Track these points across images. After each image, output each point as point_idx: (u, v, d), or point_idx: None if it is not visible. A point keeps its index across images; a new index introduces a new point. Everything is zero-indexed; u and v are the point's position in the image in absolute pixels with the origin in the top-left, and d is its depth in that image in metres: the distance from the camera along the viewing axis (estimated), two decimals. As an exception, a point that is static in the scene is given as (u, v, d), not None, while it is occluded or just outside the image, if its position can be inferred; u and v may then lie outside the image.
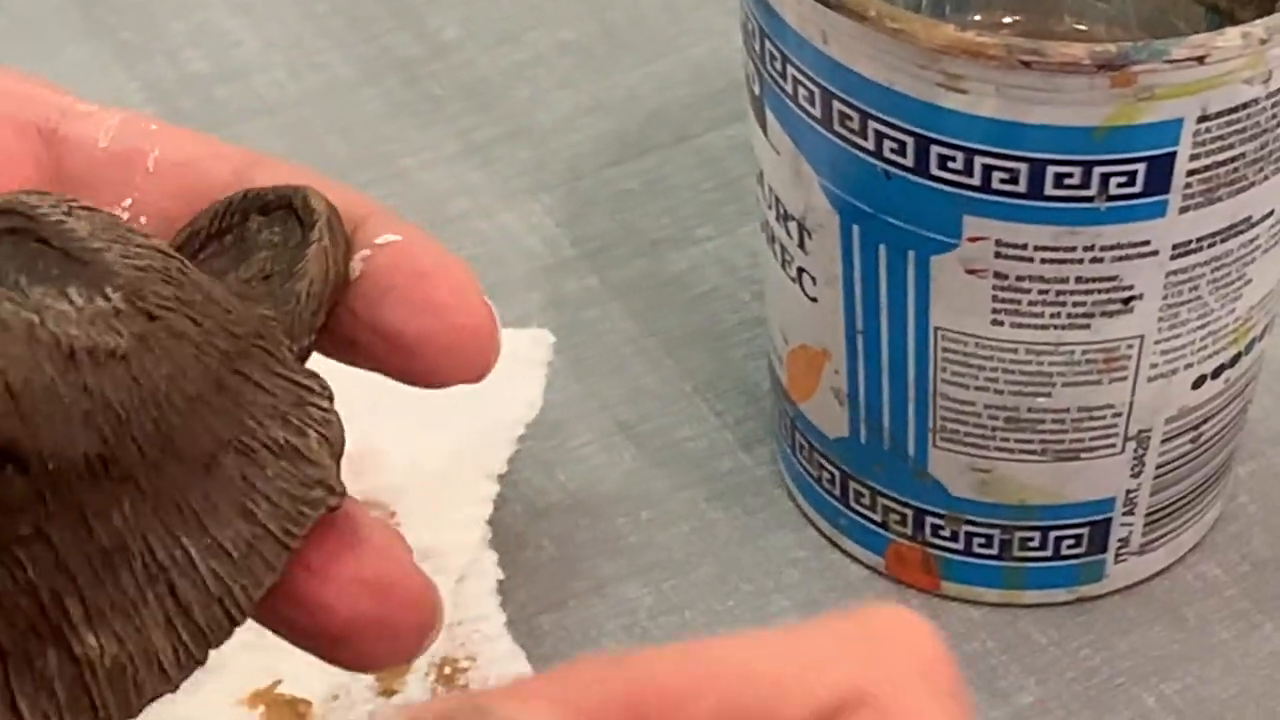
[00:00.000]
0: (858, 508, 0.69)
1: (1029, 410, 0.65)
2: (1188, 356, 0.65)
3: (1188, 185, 0.61)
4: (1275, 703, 0.67)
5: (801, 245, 0.65)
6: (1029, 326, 0.63)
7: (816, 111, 0.62)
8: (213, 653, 0.65)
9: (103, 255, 0.45)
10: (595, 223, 0.78)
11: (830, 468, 0.69)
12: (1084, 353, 0.64)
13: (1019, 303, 0.63)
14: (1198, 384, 0.66)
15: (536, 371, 0.71)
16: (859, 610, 0.41)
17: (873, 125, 0.61)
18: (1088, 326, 0.63)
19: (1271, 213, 0.63)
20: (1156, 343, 0.64)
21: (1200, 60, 0.58)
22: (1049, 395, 0.65)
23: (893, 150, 0.61)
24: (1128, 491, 0.67)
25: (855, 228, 0.63)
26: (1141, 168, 0.60)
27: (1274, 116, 0.61)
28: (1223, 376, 0.66)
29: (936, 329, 0.64)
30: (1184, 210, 0.61)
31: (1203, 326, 0.64)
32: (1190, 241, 0.62)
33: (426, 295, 0.48)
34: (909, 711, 0.39)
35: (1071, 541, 0.68)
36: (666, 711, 0.39)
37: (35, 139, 0.51)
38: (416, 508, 0.68)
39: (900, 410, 0.66)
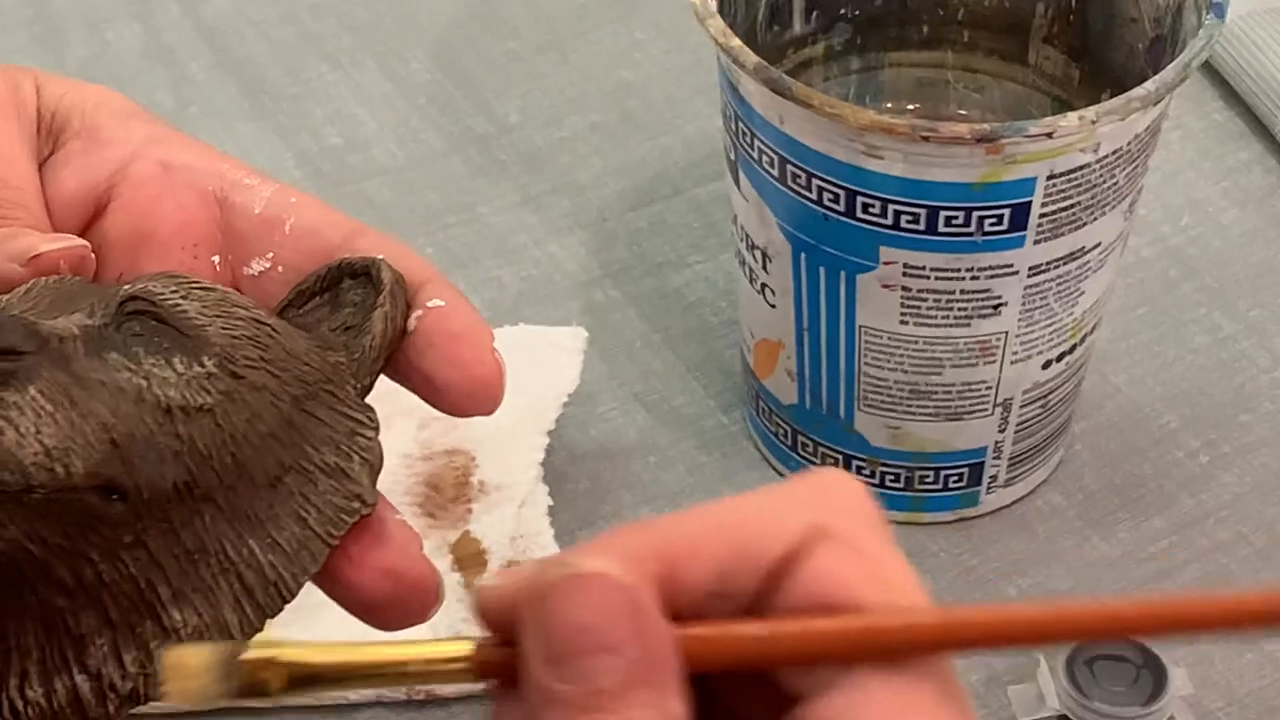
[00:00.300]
0: (804, 455, 0.69)
1: (926, 385, 0.65)
2: (1039, 346, 0.65)
3: (1039, 224, 0.61)
4: (1101, 593, 0.67)
5: (764, 267, 0.65)
6: (927, 325, 0.63)
7: (775, 172, 0.62)
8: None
9: (205, 330, 0.45)
10: (617, 252, 0.78)
11: (784, 426, 0.69)
12: (966, 344, 0.64)
13: (919, 308, 0.63)
14: (1046, 366, 0.66)
15: (575, 358, 0.71)
16: (811, 473, 0.41)
17: (815, 181, 0.61)
18: (968, 325, 0.63)
19: (1099, 244, 0.63)
20: (1017, 336, 0.64)
21: (1049, 135, 0.58)
22: (940, 374, 0.65)
23: (830, 199, 0.61)
24: (996, 442, 0.67)
25: (803, 255, 0.63)
26: (1007, 211, 0.60)
27: (1101, 176, 0.61)
28: (1064, 360, 0.66)
29: (861, 327, 0.64)
30: (1037, 242, 0.61)
31: (1050, 325, 0.64)
32: (1042, 264, 0.62)
33: (455, 353, 0.47)
34: (860, 539, 0.39)
35: (956, 478, 0.68)
36: (686, 553, 0.38)
37: (213, 204, 0.51)
38: (490, 454, 0.68)
39: (834, 385, 0.66)
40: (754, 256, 0.66)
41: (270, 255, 0.50)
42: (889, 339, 0.64)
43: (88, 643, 0.44)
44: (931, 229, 0.60)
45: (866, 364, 0.65)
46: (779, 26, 0.68)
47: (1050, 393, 0.67)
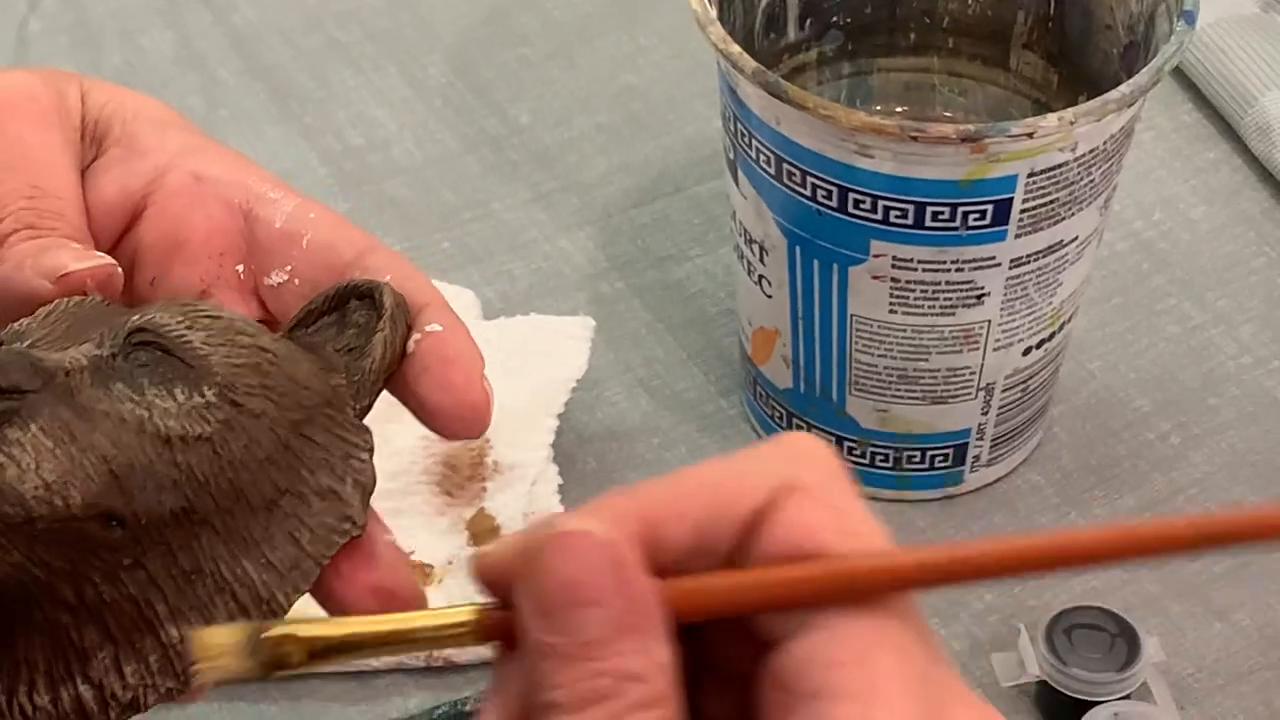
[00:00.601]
0: (798, 436, 0.69)
1: (914, 370, 0.65)
2: (1020, 334, 0.65)
3: (1020, 219, 0.61)
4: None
5: (761, 260, 0.65)
6: (914, 314, 0.63)
7: (772, 170, 0.62)
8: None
9: (208, 359, 0.44)
10: (622, 246, 0.78)
11: (780, 409, 0.69)
12: (951, 332, 0.64)
13: (907, 298, 0.63)
14: (1026, 353, 0.66)
15: (583, 345, 0.71)
16: (783, 436, 0.41)
17: (810, 179, 0.61)
18: (953, 314, 0.63)
19: (1076, 238, 0.63)
20: (999, 325, 0.64)
21: (1030, 135, 0.58)
22: (927, 360, 0.65)
23: (823, 196, 0.61)
24: (979, 425, 0.67)
25: (798, 248, 0.63)
26: (990, 207, 0.60)
27: (1079, 174, 0.61)
28: (1043, 348, 0.66)
29: (852, 316, 0.64)
30: (1018, 236, 0.61)
31: (1030, 314, 0.64)
32: (1022, 257, 0.62)
33: (448, 378, 0.48)
34: (826, 492, 0.39)
35: (941, 458, 0.68)
36: (666, 513, 0.39)
37: (239, 215, 0.51)
38: (504, 435, 0.68)
39: (827, 370, 0.66)
40: (752, 250, 0.65)
41: (289, 268, 0.50)
42: (878, 327, 0.64)
43: (90, 656, 0.44)
44: (919, 224, 0.60)
45: (857, 351, 0.65)
46: (775, 33, 0.68)
47: (1030, 378, 0.67)
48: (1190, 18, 0.62)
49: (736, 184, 0.65)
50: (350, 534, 0.46)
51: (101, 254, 0.48)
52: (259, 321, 0.51)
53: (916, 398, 0.66)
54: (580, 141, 0.82)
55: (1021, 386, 0.67)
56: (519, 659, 0.38)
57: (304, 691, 0.63)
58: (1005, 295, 0.63)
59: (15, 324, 0.46)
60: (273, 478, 0.45)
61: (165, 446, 0.43)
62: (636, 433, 0.71)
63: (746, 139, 0.62)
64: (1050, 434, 0.71)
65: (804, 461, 0.40)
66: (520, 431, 0.68)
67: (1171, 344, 0.74)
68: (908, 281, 0.62)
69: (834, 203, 0.61)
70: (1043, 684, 0.62)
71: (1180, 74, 0.83)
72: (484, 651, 0.63)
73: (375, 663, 0.63)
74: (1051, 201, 0.61)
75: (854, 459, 0.68)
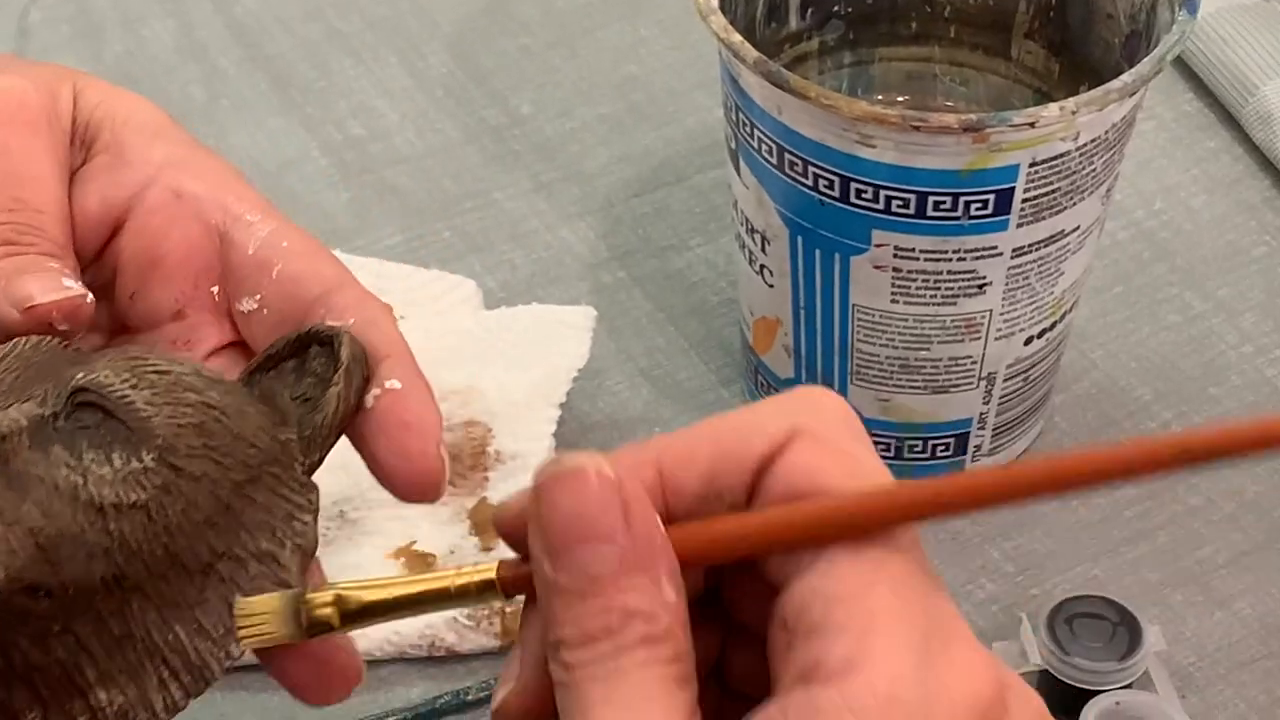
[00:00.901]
0: (800, 425, 0.69)
1: (915, 360, 0.65)
2: (1021, 323, 0.65)
3: (1022, 209, 0.61)
4: (1079, 555, 0.67)
5: (763, 250, 0.65)
6: (916, 303, 0.63)
7: (774, 160, 0.62)
8: (367, 519, 0.65)
9: (149, 421, 0.44)
10: (623, 236, 0.78)
11: (781, 398, 0.69)
12: (952, 321, 0.64)
13: (909, 288, 0.63)
14: (1028, 342, 0.66)
15: (584, 335, 0.71)
16: (795, 389, 0.41)
17: (811, 169, 0.61)
18: (955, 303, 0.63)
19: (1078, 227, 0.63)
20: (1000, 314, 0.64)
21: (1031, 125, 0.58)
22: (928, 350, 0.65)
23: (825, 186, 0.61)
24: (980, 414, 0.67)
25: (799, 238, 0.63)
26: (992, 197, 0.60)
27: (1080, 163, 0.61)
28: (1044, 337, 0.66)
29: (853, 305, 0.64)
30: (1020, 225, 0.61)
31: (1031, 303, 0.64)
32: (1024, 246, 0.62)
33: (404, 444, 0.47)
34: (835, 437, 0.39)
35: (943, 447, 0.68)
36: (677, 461, 0.39)
37: (215, 236, 0.51)
38: (505, 425, 0.68)
39: (829, 360, 0.66)
40: (753, 240, 0.65)
41: (259, 297, 0.50)
42: (880, 317, 0.64)
43: (20, 716, 0.44)
44: (920, 213, 0.60)
45: (859, 340, 0.65)
46: (776, 23, 0.68)
47: (1031, 367, 0.67)
48: (1192, 7, 0.61)
49: (738, 174, 0.65)
50: None
51: (71, 281, 0.48)
52: (232, 344, 0.51)
53: (918, 387, 0.65)
54: (582, 131, 0.82)
55: (1023, 376, 0.67)
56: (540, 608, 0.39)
57: (306, 681, 0.63)
58: (1007, 285, 0.63)
59: None
60: (210, 541, 0.44)
61: (98, 515, 0.43)
62: (638, 422, 0.71)
63: (748, 129, 0.62)
64: (1051, 423, 0.71)
65: (815, 409, 0.40)
66: (522, 421, 0.68)
67: (1173, 333, 0.74)
68: (909, 271, 0.62)
69: (836, 192, 0.61)
70: (1044, 673, 0.62)
71: (1181, 63, 0.83)
72: (485, 641, 0.63)
73: (377, 653, 0.63)
74: (1053, 191, 0.60)
75: (855, 448, 0.68)
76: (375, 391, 0.47)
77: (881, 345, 0.64)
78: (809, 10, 0.69)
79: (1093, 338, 0.74)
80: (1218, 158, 0.80)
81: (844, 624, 0.37)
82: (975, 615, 0.65)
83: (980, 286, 0.62)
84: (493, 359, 0.69)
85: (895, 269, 0.62)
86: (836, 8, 0.69)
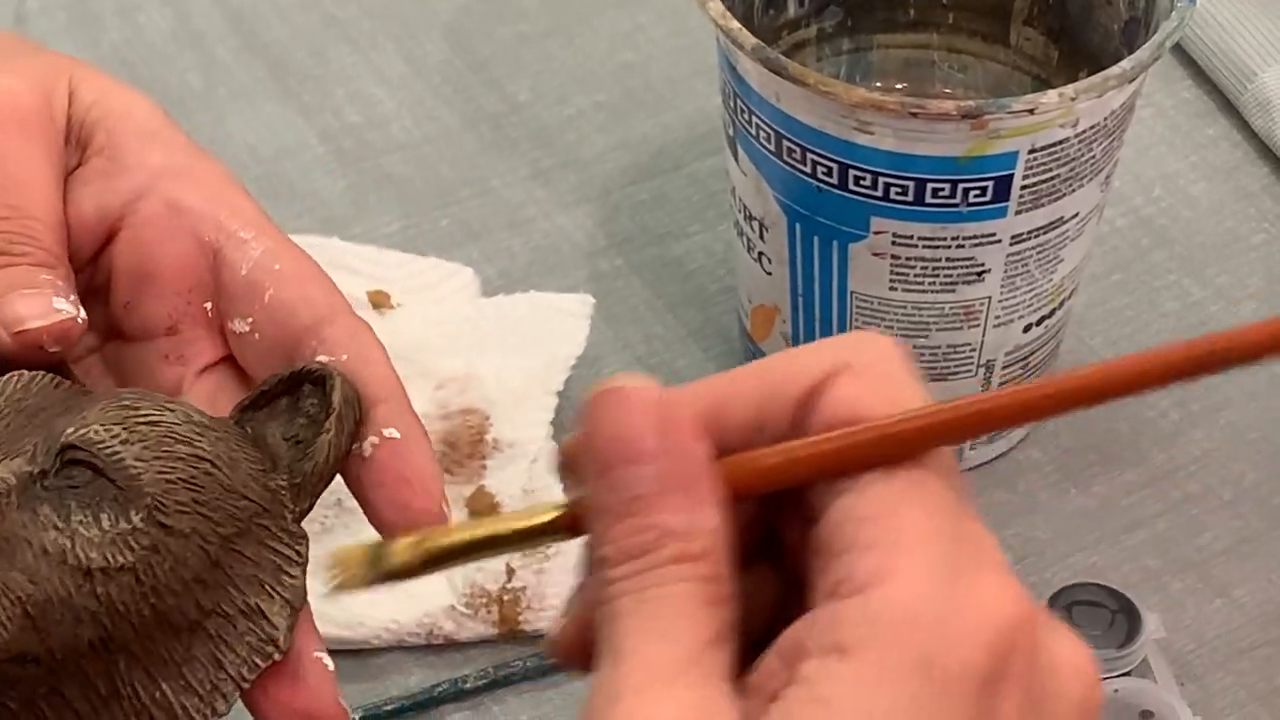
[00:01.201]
0: (798, 413, 0.69)
1: (914, 347, 0.65)
2: (1020, 311, 0.65)
3: (1021, 196, 0.60)
4: (1075, 543, 0.67)
5: (761, 237, 0.65)
6: (914, 291, 0.63)
7: (772, 147, 0.62)
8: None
9: (139, 479, 0.44)
10: (621, 223, 0.78)
11: (780, 386, 0.69)
12: (951, 308, 0.64)
13: (907, 275, 0.62)
14: (1027, 329, 0.66)
15: (582, 323, 0.71)
16: (845, 334, 0.41)
17: (810, 155, 0.61)
18: (953, 291, 0.63)
19: (1077, 214, 0.63)
20: (999, 301, 0.64)
21: (1030, 111, 0.58)
22: (927, 337, 0.64)
23: (823, 173, 0.61)
24: (979, 402, 0.67)
25: (798, 225, 0.63)
26: (990, 184, 0.60)
27: (1079, 150, 0.60)
28: (1043, 324, 0.66)
29: (852, 293, 0.64)
30: (1019, 212, 0.61)
31: (1030, 290, 0.64)
32: (1023, 233, 0.62)
33: (404, 498, 0.47)
34: (880, 372, 0.39)
35: (942, 435, 0.68)
36: (727, 395, 0.40)
37: (209, 253, 0.50)
38: (504, 412, 0.68)
39: (827, 347, 0.66)
40: (751, 227, 0.65)
41: (250, 320, 0.50)
42: (879, 304, 0.63)
43: None
44: (919, 200, 0.60)
45: (857, 328, 0.64)
46: (774, 10, 0.68)
47: (1030, 354, 0.66)
48: (1191, -7, 0.61)
49: (736, 161, 0.64)
50: (272, 657, 0.46)
51: (63, 301, 0.48)
52: (225, 359, 0.51)
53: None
54: (579, 119, 0.81)
55: (1022, 363, 0.66)
56: None
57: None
58: (1006, 272, 0.62)
59: None
60: (198, 599, 0.44)
61: (85, 578, 0.43)
62: (636, 410, 0.71)
63: (746, 116, 0.62)
64: (1050, 411, 0.71)
65: (864, 347, 0.40)
66: (520, 409, 0.68)
67: (1171, 320, 0.74)
68: (908, 258, 0.62)
69: (834, 179, 0.60)
70: (1043, 661, 0.61)
71: (1180, 50, 0.82)
72: (483, 629, 0.63)
73: (375, 641, 0.63)
74: (1052, 178, 0.60)
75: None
76: (373, 439, 0.47)
77: (880, 332, 0.64)
78: (807, -3, 0.69)
79: (1091, 325, 0.73)
80: (1217, 145, 0.80)
81: (872, 541, 0.37)
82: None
83: (979, 273, 0.62)
84: (490, 347, 0.69)
85: (894, 256, 0.62)
86: (835, -6, 0.69)
